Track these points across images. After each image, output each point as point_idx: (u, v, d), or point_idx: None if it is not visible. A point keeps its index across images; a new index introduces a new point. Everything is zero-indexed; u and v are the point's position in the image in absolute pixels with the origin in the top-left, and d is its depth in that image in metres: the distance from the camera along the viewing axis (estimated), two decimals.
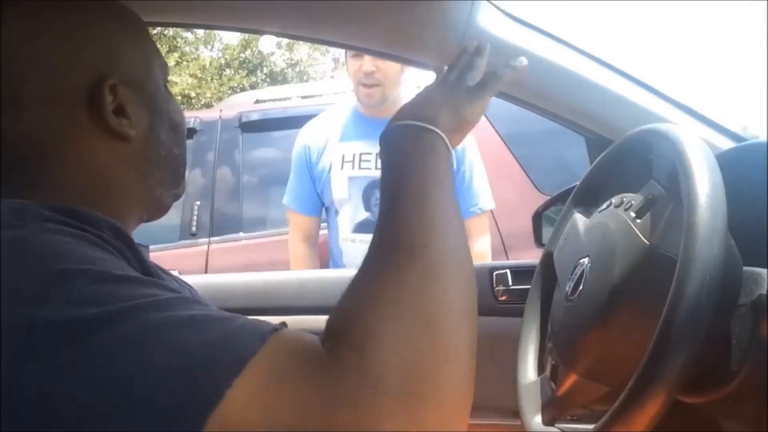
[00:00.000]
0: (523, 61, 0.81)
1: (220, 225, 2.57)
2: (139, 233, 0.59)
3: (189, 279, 0.74)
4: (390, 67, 1.67)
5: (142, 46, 0.62)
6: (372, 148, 1.78)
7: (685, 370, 0.56)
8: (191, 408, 0.36)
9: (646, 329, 0.60)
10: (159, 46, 0.66)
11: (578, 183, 0.95)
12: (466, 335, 0.45)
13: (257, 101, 3.00)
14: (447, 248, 0.48)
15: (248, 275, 1.44)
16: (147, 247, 0.58)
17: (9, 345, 0.38)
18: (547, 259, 0.95)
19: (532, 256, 1.16)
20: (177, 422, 0.36)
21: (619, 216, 0.75)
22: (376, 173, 1.75)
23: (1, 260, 0.41)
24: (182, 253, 2.48)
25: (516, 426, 1.05)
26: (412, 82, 1.76)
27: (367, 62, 1.67)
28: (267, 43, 10.69)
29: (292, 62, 12.02)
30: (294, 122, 2.24)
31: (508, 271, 1.22)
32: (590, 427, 0.66)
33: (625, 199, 0.77)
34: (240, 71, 11.38)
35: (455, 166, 1.75)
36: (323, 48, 11.11)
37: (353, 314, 0.43)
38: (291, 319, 0.71)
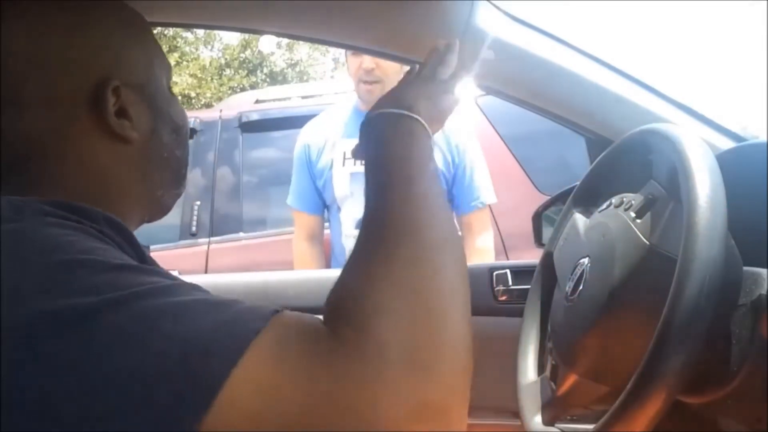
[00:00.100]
0: (491, 53, 0.86)
1: (220, 225, 2.57)
2: (139, 233, 0.59)
3: (189, 279, 0.74)
4: (390, 64, 1.68)
5: (146, 48, 0.62)
6: None
7: (685, 370, 0.56)
8: (195, 393, 0.36)
9: (646, 329, 0.60)
10: None
11: (578, 183, 0.95)
12: (460, 303, 0.46)
13: (257, 101, 3.00)
14: (434, 224, 0.50)
15: (248, 275, 1.44)
16: (147, 247, 0.57)
17: (10, 337, 0.38)
18: (547, 259, 0.95)
19: (532, 256, 1.16)
20: (182, 407, 0.36)
21: (619, 216, 0.75)
22: None
23: (1, 254, 0.41)
24: (182, 253, 2.48)
25: (516, 426, 1.05)
26: None
27: (367, 59, 1.69)
28: (267, 43, 10.66)
29: (292, 62, 12.01)
30: (294, 122, 2.24)
31: (508, 271, 1.22)
32: (590, 427, 0.66)
33: (625, 199, 0.77)
34: (240, 71, 11.36)
35: (456, 162, 1.76)
36: (323, 48, 11.11)
37: (350, 293, 0.44)
38: None
